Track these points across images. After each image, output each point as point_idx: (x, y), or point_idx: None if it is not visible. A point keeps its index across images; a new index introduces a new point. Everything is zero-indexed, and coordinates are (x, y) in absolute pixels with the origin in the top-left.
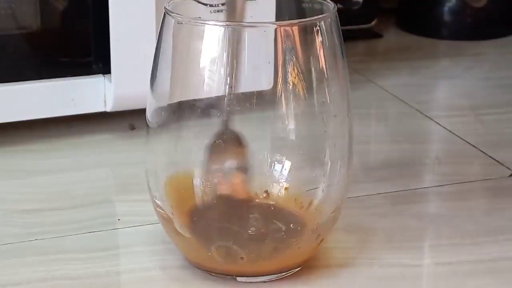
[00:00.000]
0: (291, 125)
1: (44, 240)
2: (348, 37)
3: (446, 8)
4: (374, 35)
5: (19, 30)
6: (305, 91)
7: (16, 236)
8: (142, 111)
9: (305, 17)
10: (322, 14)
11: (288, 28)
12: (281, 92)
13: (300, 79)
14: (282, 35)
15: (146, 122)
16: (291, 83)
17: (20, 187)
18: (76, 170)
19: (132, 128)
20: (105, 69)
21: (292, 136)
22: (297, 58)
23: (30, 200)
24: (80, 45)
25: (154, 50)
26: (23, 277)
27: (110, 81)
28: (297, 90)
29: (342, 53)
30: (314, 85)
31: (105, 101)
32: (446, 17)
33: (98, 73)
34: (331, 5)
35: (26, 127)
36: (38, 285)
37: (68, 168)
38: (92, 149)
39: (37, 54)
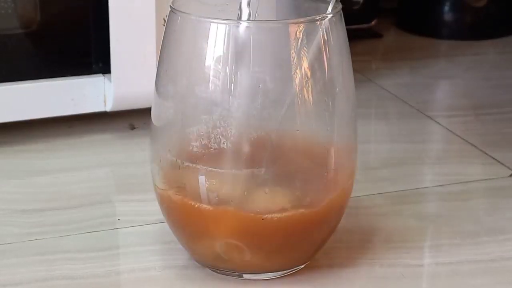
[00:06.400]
0: (296, 123)
1: (44, 240)
2: (348, 37)
3: (446, 8)
4: (374, 35)
5: (19, 29)
6: (309, 90)
7: (16, 236)
8: (142, 111)
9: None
10: (326, 13)
11: (293, 27)
12: (285, 90)
13: (304, 78)
14: (288, 33)
15: (151, 120)
16: (295, 82)
17: (20, 187)
18: (76, 170)
19: (132, 128)
20: (105, 69)
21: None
22: (301, 56)
23: (30, 200)
24: (80, 45)
25: (154, 50)
26: (23, 277)
27: (110, 81)
28: (301, 88)
29: (347, 53)
30: (319, 83)
31: (105, 101)
32: (446, 17)
33: (98, 73)
34: (335, 4)
35: (26, 127)
36: (38, 285)
37: (68, 168)
38: (92, 149)
39: (37, 53)
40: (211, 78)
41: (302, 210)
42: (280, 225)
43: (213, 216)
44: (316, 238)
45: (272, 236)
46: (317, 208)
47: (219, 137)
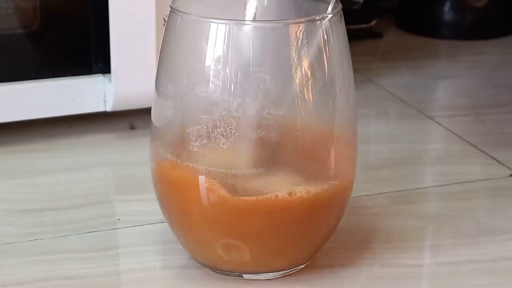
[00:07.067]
0: (296, 123)
1: (44, 240)
2: (348, 37)
3: (446, 8)
4: (374, 35)
5: (19, 29)
6: (309, 90)
7: (16, 236)
8: (142, 111)
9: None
10: (326, 13)
11: (293, 27)
12: (285, 90)
13: (304, 78)
14: (288, 33)
15: (151, 120)
16: (295, 82)
17: (20, 187)
18: (76, 170)
19: (132, 128)
20: (105, 69)
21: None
22: (301, 56)
23: (30, 200)
24: (80, 45)
25: (154, 50)
26: (23, 277)
27: (110, 81)
28: (301, 88)
29: (347, 53)
30: (319, 83)
31: (105, 101)
32: (446, 17)
33: (98, 73)
34: (335, 4)
35: (26, 127)
36: (38, 285)
37: (68, 168)
38: (92, 149)
39: (37, 53)
40: (211, 78)
41: (302, 205)
42: (279, 220)
43: (213, 216)
44: (316, 236)
45: (273, 233)
46: (316, 206)
47: (219, 137)
